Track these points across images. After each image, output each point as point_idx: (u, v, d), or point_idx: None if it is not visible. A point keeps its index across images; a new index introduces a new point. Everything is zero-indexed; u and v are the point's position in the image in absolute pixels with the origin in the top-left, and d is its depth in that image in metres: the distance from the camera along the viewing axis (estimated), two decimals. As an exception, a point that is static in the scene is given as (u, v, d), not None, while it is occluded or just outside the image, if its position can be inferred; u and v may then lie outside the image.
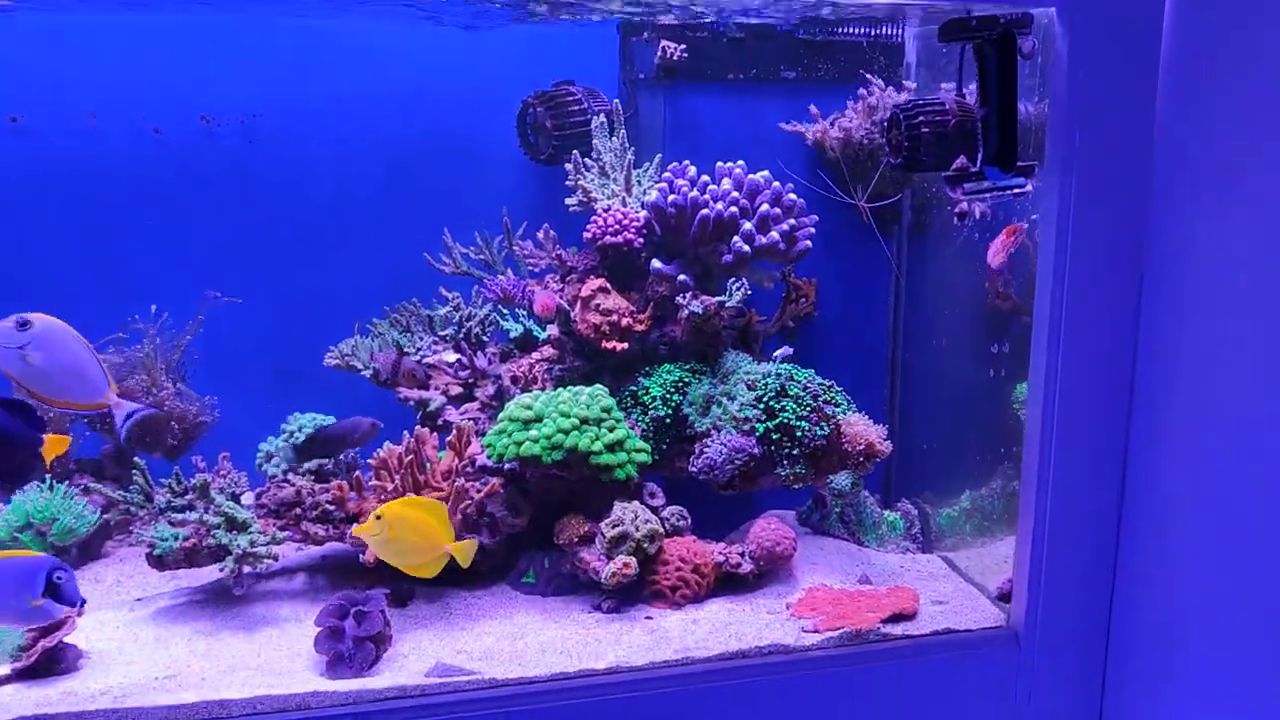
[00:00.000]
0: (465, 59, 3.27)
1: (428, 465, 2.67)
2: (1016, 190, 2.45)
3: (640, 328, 3.21)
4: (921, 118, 2.35)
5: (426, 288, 3.27)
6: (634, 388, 3.22)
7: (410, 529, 2.10)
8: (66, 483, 2.69)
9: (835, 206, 3.42)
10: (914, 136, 2.37)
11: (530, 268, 3.25)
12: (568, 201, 3.25)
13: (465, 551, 2.23)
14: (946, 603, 2.83)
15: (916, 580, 3.03)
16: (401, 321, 3.18)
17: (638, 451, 2.97)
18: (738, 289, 3.15)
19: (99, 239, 3.15)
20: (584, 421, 2.84)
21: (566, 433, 2.85)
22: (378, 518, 2.09)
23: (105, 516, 2.79)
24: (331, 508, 2.65)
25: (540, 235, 3.28)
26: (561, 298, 3.09)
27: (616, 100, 3.19)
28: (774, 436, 2.95)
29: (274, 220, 3.30)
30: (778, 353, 3.08)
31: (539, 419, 2.84)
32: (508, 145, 3.35)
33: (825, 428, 2.93)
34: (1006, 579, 2.76)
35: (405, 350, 3.11)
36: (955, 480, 3.25)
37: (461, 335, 3.10)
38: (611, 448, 2.87)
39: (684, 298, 3.12)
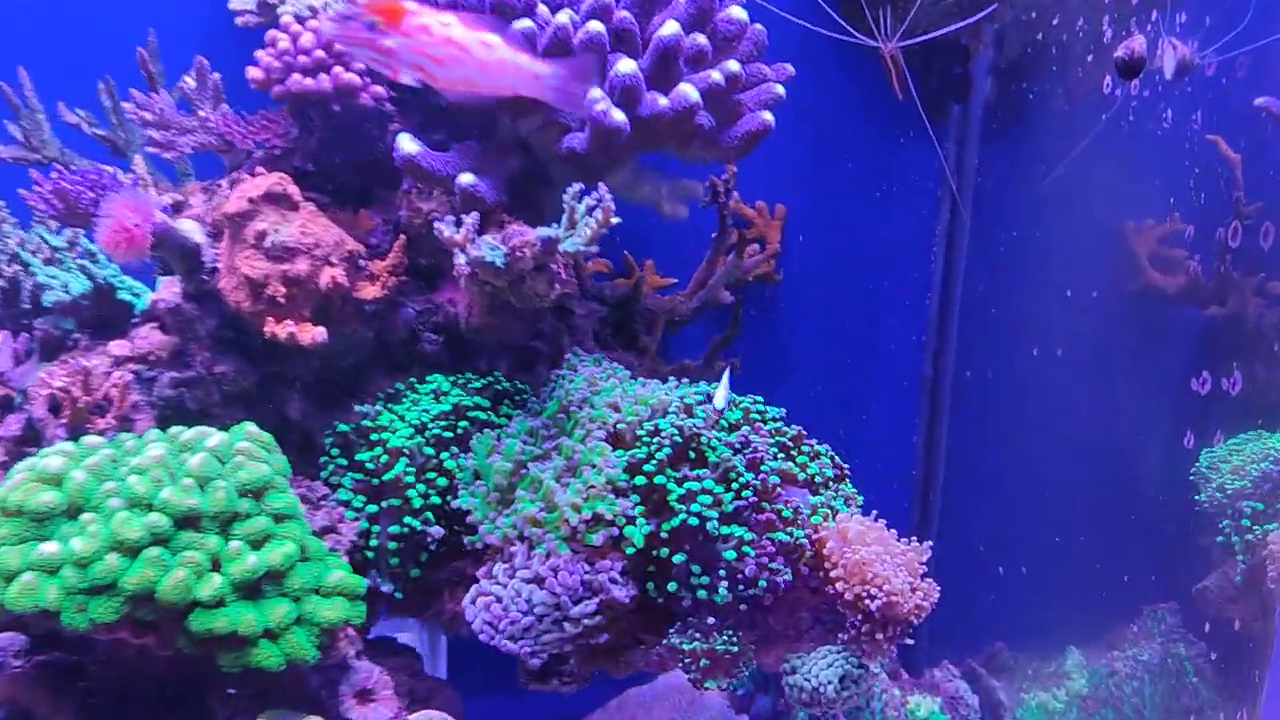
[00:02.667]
0: None
1: None
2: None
3: (372, 292, 1.94)
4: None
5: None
6: (351, 428, 1.98)
7: None
8: None
9: (834, 53, 2.39)
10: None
11: (167, 148, 2.09)
12: (232, 6, 2.16)
13: None
14: None
15: None
16: None
17: (330, 596, 1.74)
18: (590, 212, 1.80)
19: None
20: (187, 522, 1.63)
21: (135, 552, 1.58)
22: None
23: None
24: None
25: (192, 77, 2.10)
26: (199, 218, 1.94)
27: None
28: (665, 558, 1.78)
29: None
30: (719, 383, 1.89)
31: (74, 511, 1.64)
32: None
33: (793, 544, 1.79)
34: None
35: None
36: (1056, 627, 2.57)
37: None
38: (251, 591, 1.66)
39: (452, 226, 1.80)
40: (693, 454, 1.80)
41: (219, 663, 1.64)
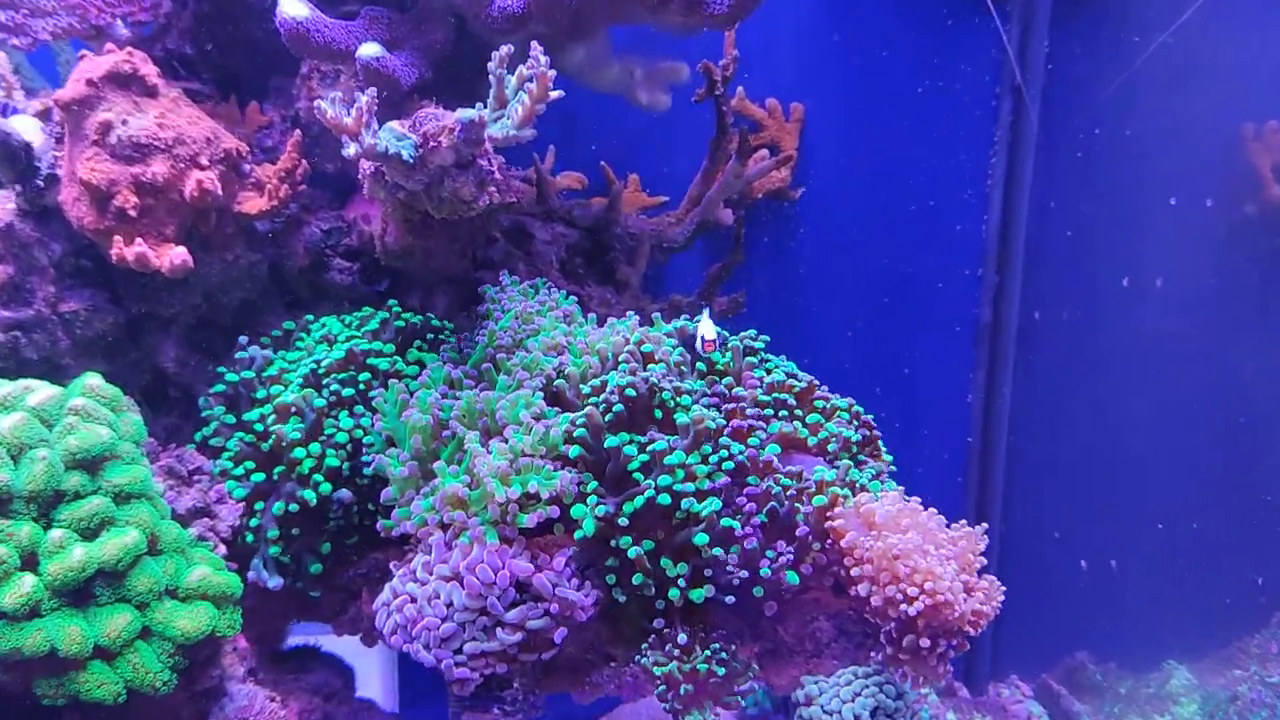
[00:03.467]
0: None
1: None
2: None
3: (259, 205, 1.57)
4: None
5: None
6: (238, 380, 1.61)
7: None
8: None
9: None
10: None
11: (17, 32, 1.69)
12: None
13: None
14: None
15: None
16: None
17: (191, 600, 1.40)
18: (524, 86, 1.44)
19: None
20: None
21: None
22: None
23: None
24: None
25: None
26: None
27: None
28: (626, 548, 1.41)
29: None
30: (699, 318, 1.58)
31: None
32: None
33: (804, 528, 1.43)
34: None
35: None
36: (1157, 637, 2.28)
37: None
38: (79, 597, 1.35)
39: (340, 107, 1.40)
40: (659, 413, 1.39)
41: (36, 691, 1.30)
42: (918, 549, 1.57)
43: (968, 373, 2.34)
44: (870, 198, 2.29)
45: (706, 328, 1.49)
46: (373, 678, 2.20)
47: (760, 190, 2.10)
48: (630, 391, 1.43)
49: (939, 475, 2.41)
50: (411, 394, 1.50)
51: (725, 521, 1.37)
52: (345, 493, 1.53)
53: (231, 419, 1.60)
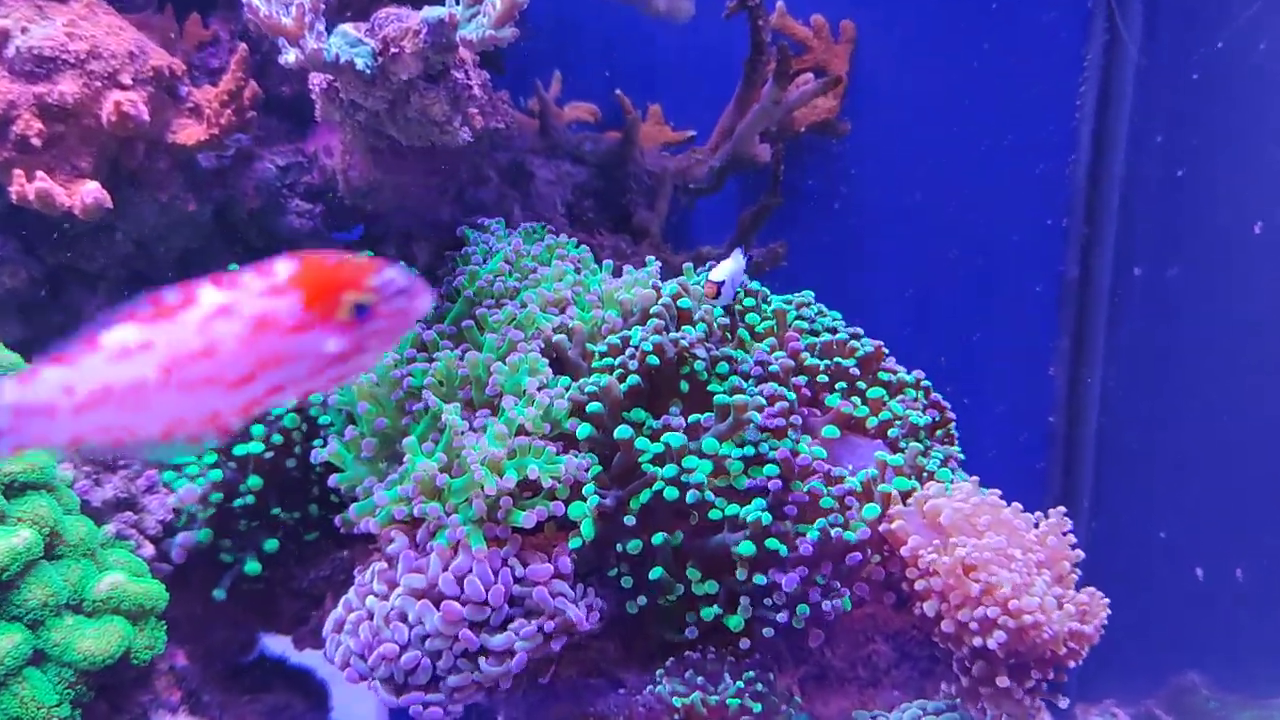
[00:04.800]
0: None
1: None
2: None
3: (196, 135, 1.36)
4: None
5: None
6: None
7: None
8: None
9: None
10: None
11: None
12: None
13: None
14: None
15: None
16: None
17: (100, 615, 1.19)
18: None
19: None
20: None
21: None
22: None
23: None
24: None
25: None
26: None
27: None
28: (639, 554, 1.23)
29: None
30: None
31: None
32: None
33: (856, 554, 1.24)
34: None
35: None
36: None
37: None
38: None
39: (276, 5, 1.18)
40: (685, 385, 1.15)
41: None
42: (998, 556, 1.32)
43: (1050, 340, 2.13)
44: (933, 132, 2.14)
45: (720, 269, 1.25)
46: (362, 696, 2.00)
47: (803, 123, 1.90)
48: (653, 359, 1.19)
49: (1014, 461, 2.20)
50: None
51: (770, 543, 1.14)
52: (322, 454, 1.27)
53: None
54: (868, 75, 2.04)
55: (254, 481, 1.31)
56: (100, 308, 1.52)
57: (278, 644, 1.74)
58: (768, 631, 1.18)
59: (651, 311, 1.22)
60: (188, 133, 1.39)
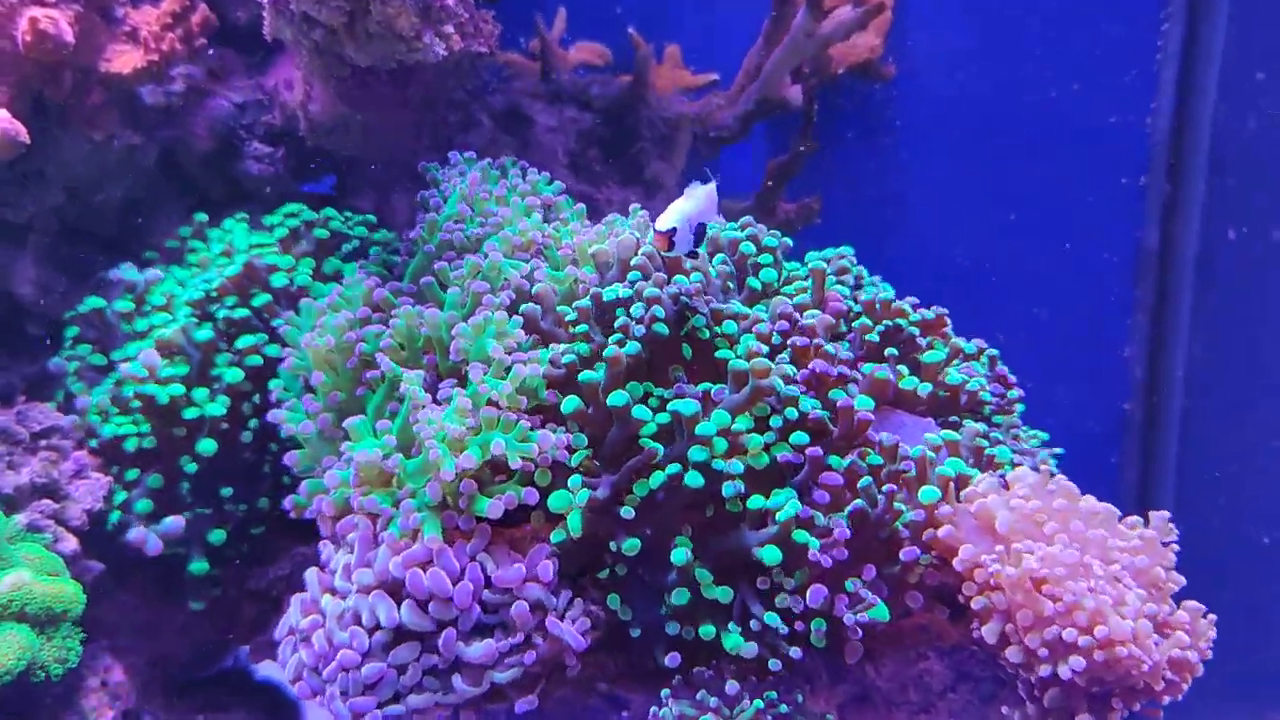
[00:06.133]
0: None
1: None
2: None
3: (132, 62, 1.27)
4: None
5: None
6: (107, 308, 1.35)
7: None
8: None
9: None
10: None
11: None
12: None
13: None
14: None
15: None
16: None
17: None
18: None
19: None
20: None
21: None
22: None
23: None
24: None
25: None
26: None
27: None
28: (633, 554, 1.12)
29: None
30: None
31: None
32: None
33: (911, 549, 1.11)
34: None
35: None
36: None
37: None
38: None
39: None
40: (688, 349, 0.99)
41: None
42: (1074, 569, 1.13)
43: (1125, 316, 2.00)
44: (992, 78, 1.98)
45: (670, 212, 1.00)
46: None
47: (841, 63, 1.77)
48: (661, 327, 1.02)
49: (1083, 456, 1.97)
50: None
51: (797, 535, 0.98)
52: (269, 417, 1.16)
53: (102, 360, 1.28)
54: (916, 9, 1.89)
55: (206, 445, 1.18)
56: (31, 272, 1.37)
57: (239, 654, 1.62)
58: (795, 652, 1.01)
59: (632, 264, 1.05)
60: (123, 59, 1.25)
